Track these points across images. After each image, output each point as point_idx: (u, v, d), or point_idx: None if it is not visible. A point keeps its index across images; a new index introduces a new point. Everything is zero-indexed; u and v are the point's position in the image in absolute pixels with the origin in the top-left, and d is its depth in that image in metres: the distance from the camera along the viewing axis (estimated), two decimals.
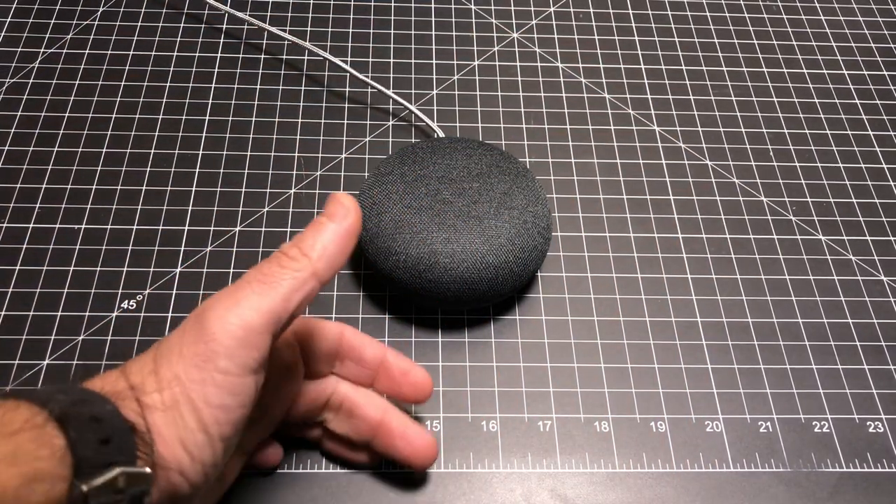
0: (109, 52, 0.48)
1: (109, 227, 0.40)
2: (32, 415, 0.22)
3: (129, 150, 0.43)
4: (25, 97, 0.45)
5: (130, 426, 0.23)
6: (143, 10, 0.50)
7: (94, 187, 0.42)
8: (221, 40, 0.49)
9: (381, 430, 0.31)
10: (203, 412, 0.24)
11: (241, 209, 0.41)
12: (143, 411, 0.24)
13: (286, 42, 0.49)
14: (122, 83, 0.46)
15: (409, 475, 0.33)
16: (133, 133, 0.44)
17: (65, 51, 0.48)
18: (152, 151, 0.43)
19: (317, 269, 0.27)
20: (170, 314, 0.38)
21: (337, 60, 0.46)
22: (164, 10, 0.50)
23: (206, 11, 0.51)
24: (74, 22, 0.49)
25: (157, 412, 0.24)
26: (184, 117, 0.45)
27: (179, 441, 0.24)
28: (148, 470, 0.23)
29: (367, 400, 0.32)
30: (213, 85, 0.47)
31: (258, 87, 0.47)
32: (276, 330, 0.26)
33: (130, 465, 0.22)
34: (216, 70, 0.47)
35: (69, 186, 0.42)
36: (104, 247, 0.40)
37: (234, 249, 0.40)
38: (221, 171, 0.43)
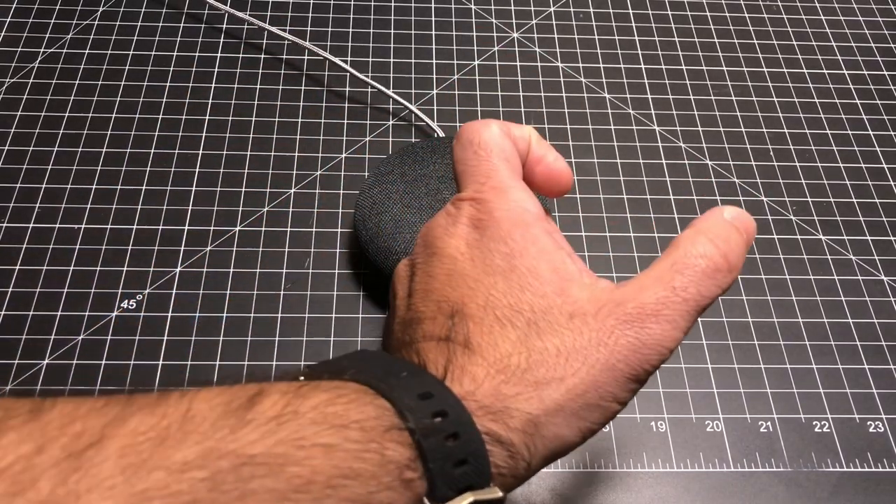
0: (109, 52, 0.48)
1: (109, 227, 0.40)
2: (383, 421, 0.19)
3: (129, 150, 0.43)
4: (25, 97, 0.45)
5: (485, 449, 0.20)
6: (143, 10, 0.50)
7: (94, 187, 0.42)
8: (221, 40, 0.49)
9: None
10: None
11: (241, 209, 0.41)
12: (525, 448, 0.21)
13: (286, 42, 0.49)
14: (122, 83, 0.46)
15: None
16: (133, 133, 0.44)
17: (65, 51, 0.48)
18: (152, 151, 0.43)
19: None
20: (169, 314, 0.37)
21: (337, 60, 0.46)
22: (164, 10, 0.50)
23: (206, 11, 0.51)
24: (74, 22, 0.49)
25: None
26: (184, 117, 0.45)
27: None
28: (500, 494, 0.20)
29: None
30: (213, 85, 0.47)
31: (258, 87, 0.47)
32: None
33: (483, 488, 0.20)
34: (216, 70, 0.47)
35: (69, 186, 0.42)
36: (104, 247, 0.40)
37: (234, 249, 0.40)
38: (221, 170, 0.43)
